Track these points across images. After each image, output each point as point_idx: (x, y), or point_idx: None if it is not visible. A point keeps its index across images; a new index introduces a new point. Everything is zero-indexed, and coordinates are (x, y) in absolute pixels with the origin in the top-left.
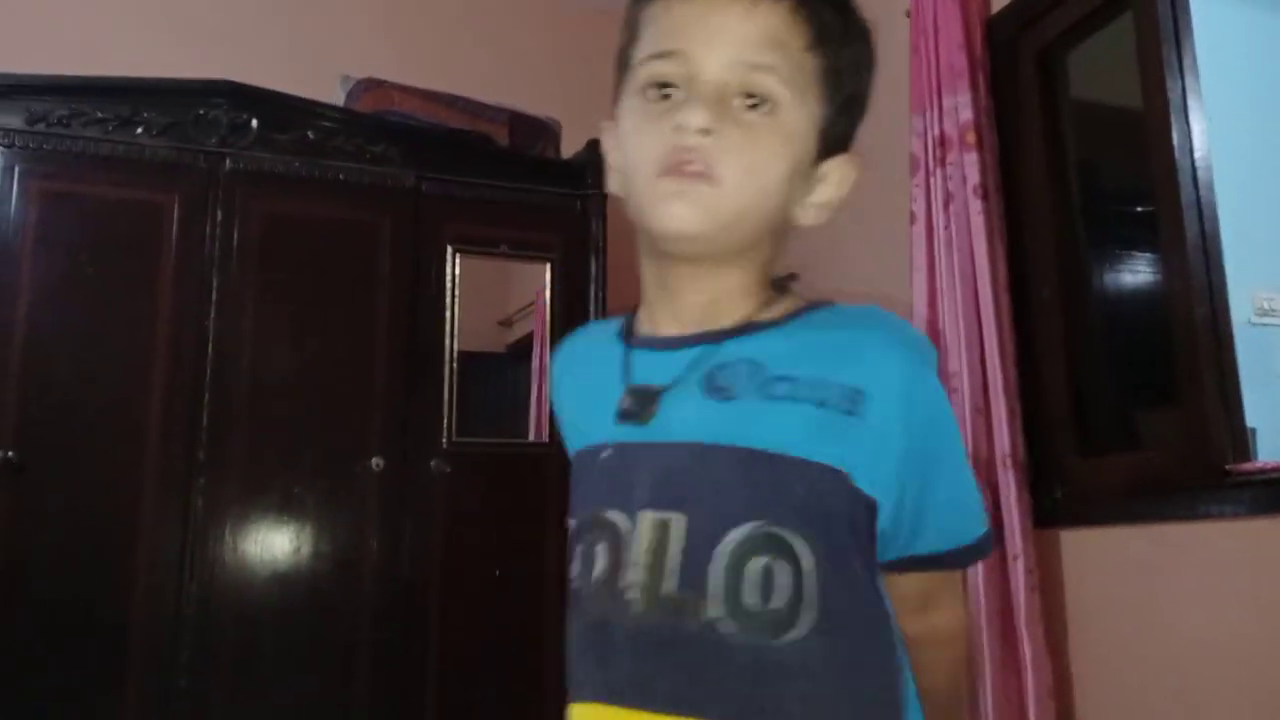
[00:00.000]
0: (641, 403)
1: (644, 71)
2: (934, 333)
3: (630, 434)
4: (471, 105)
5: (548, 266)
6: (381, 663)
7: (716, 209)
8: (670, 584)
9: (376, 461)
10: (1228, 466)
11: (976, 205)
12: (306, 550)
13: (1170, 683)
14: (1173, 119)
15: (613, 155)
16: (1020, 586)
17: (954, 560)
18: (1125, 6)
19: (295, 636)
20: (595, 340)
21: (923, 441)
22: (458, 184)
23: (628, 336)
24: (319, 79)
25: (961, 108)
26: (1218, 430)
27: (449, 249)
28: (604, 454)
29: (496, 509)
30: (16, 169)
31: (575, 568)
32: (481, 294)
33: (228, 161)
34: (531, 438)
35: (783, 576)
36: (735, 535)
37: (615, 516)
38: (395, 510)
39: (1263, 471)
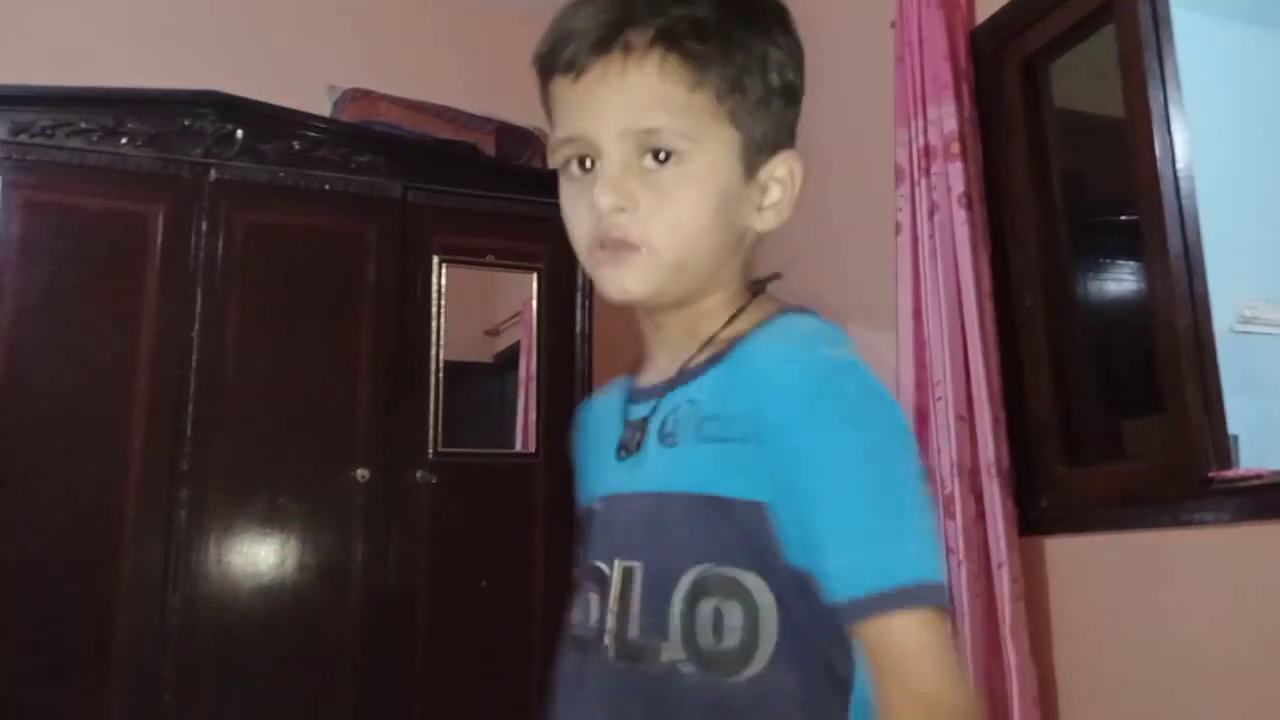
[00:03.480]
0: (632, 433)
1: (559, 155)
2: (919, 342)
3: (618, 482)
4: (458, 115)
5: (535, 276)
6: (367, 674)
7: (652, 270)
8: (634, 629)
9: (361, 472)
10: (1211, 474)
11: (961, 215)
12: (291, 562)
13: (1154, 690)
14: (1155, 129)
15: None
16: (1005, 595)
17: (845, 613)
18: (1108, 18)
19: (280, 648)
20: (607, 398)
21: (790, 464)
22: (444, 194)
23: (631, 389)
24: (305, 89)
25: (946, 118)
26: (1201, 438)
27: (435, 259)
28: (598, 506)
29: (483, 520)
30: (1, 180)
31: (574, 614)
32: (468, 303)
33: (213, 172)
34: (519, 448)
35: (733, 616)
36: (688, 579)
37: (602, 566)
38: (381, 521)
39: (1245, 479)
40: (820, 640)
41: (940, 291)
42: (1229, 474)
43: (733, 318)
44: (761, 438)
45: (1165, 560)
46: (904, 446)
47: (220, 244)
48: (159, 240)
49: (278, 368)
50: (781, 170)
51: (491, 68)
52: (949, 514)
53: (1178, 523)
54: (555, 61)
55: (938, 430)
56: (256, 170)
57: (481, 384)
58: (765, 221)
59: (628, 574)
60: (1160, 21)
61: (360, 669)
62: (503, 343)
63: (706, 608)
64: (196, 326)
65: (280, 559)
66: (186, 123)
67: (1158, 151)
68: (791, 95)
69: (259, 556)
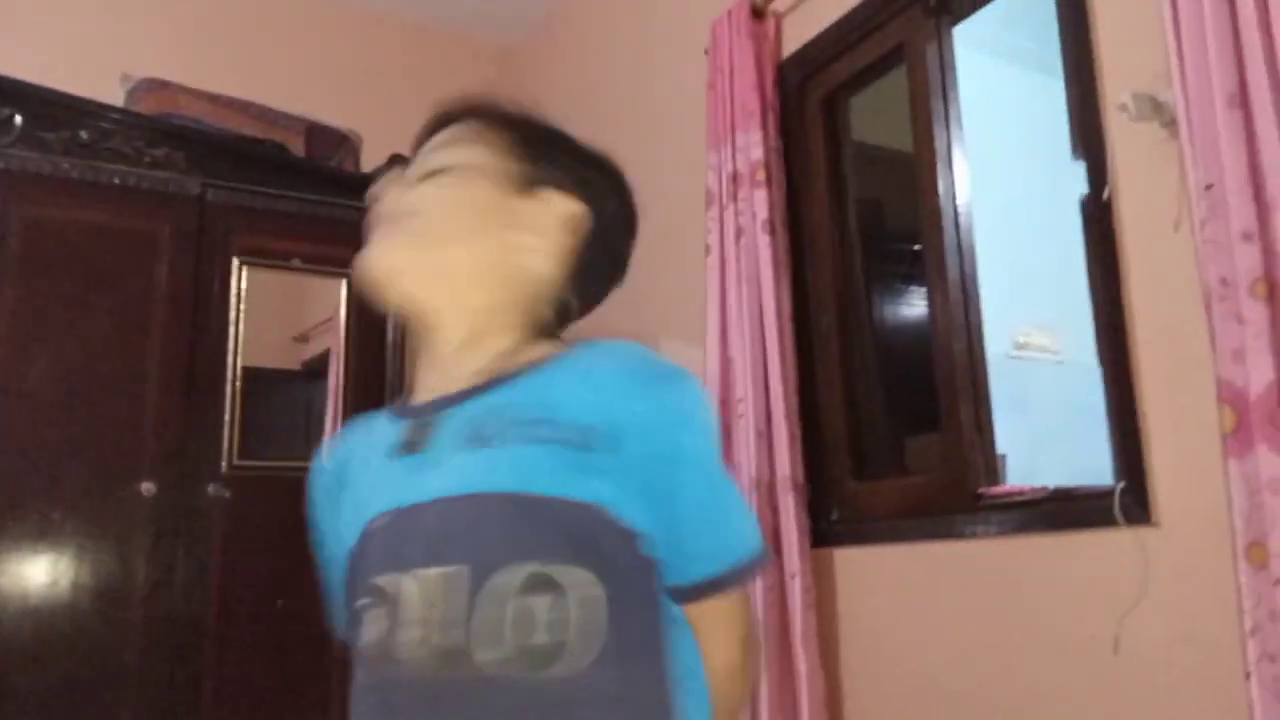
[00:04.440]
0: (418, 431)
1: None
2: (724, 360)
3: (404, 495)
4: (265, 112)
5: (344, 283)
6: (150, 702)
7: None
8: (442, 635)
9: (147, 486)
10: (980, 490)
11: (764, 240)
12: (65, 582)
13: (931, 690)
14: (938, 166)
15: None
16: (797, 604)
17: (714, 586)
18: (900, 59)
19: (51, 677)
20: (360, 433)
21: (658, 466)
22: (247, 193)
23: (397, 412)
24: (96, 77)
25: (753, 146)
26: (973, 456)
27: (235, 261)
28: (380, 523)
29: (281, 537)
30: None
31: (362, 637)
32: (274, 308)
33: None
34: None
35: (552, 613)
36: (501, 578)
37: (389, 580)
38: (167, 538)
39: (1010, 495)
40: (647, 644)
41: (744, 312)
42: (996, 490)
43: (525, 345)
44: (618, 445)
45: (941, 570)
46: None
47: None
48: None
49: (56, 373)
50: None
51: (305, 65)
52: None
53: (952, 535)
54: None
55: (739, 445)
56: (37, 160)
57: (288, 392)
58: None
59: (432, 581)
60: (946, 66)
61: (142, 698)
62: (313, 349)
63: (518, 606)
64: None
65: (52, 579)
66: None
67: (940, 187)
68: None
69: (27, 576)
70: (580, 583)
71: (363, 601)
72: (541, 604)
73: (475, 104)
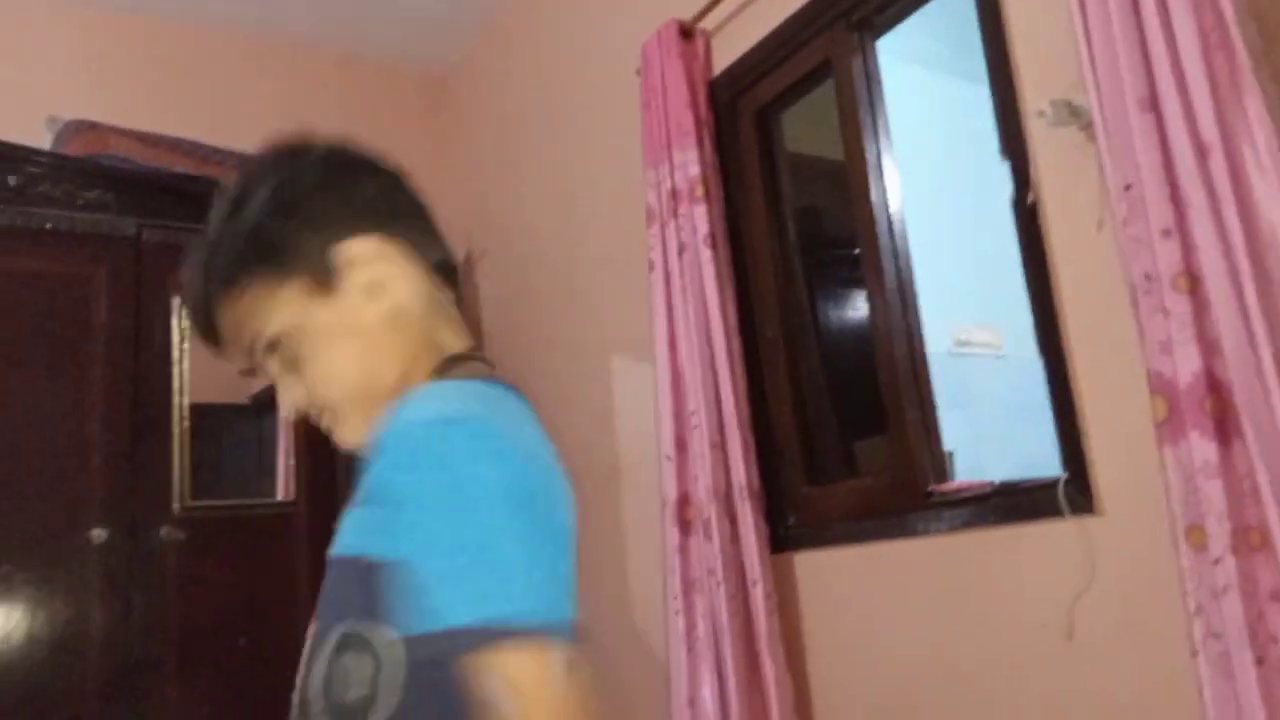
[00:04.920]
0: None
1: None
2: (675, 374)
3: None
4: (197, 148)
5: None
6: None
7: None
8: (304, 688)
9: (97, 532)
10: (930, 488)
11: (706, 254)
12: (19, 635)
13: (896, 689)
14: (870, 175)
15: None
16: (760, 610)
17: (420, 646)
18: (827, 74)
19: None
20: None
21: (385, 513)
22: (184, 231)
23: None
24: (22, 120)
25: (690, 163)
26: (920, 455)
27: (175, 299)
28: None
29: (239, 575)
30: None
31: None
32: None
33: None
34: (280, 496)
35: (361, 670)
36: (334, 636)
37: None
38: (121, 584)
39: (959, 491)
40: (446, 703)
41: (691, 325)
42: (945, 487)
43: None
44: (375, 497)
45: (896, 568)
46: (500, 494)
47: None
48: None
49: None
50: (345, 258)
51: (237, 100)
52: (707, 537)
53: (904, 533)
54: None
55: (694, 457)
56: None
57: (238, 427)
58: (382, 307)
59: (311, 638)
60: (872, 78)
61: None
62: (261, 381)
63: (342, 663)
64: None
65: (4, 633)
66: None
67: (873, 196)
68: (276, 215)
69: None
70: (386, 641)
71: None
72: (353, 663)
73: (198, 271)
